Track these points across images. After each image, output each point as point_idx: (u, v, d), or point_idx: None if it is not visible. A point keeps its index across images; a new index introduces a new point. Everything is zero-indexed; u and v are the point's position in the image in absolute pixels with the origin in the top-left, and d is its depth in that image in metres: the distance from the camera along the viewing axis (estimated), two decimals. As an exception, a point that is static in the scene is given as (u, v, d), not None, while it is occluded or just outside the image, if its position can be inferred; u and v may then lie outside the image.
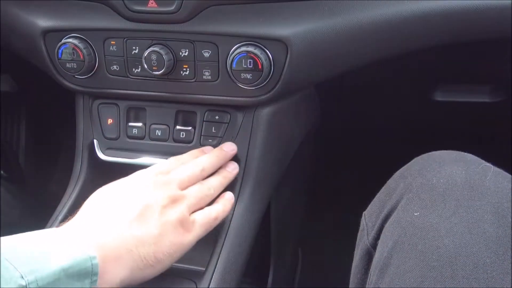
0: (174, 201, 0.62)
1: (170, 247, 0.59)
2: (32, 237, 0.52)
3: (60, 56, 0.72)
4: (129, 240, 0.56)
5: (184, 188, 0.65)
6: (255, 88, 0.70)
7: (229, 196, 0.71)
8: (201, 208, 0.65)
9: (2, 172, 1.20)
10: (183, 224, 0.61)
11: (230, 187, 0.76)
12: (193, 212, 0.64)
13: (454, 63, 0.85)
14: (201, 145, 0.76)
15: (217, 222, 0.66)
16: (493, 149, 0.81)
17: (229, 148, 0.74)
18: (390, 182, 0.59)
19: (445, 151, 0.57)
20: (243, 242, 0.72)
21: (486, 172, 0.52)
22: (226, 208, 0.68)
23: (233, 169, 0.73)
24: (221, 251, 0.69)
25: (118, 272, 0.54)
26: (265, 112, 0.75)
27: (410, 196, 0.53)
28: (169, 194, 0.62)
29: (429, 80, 0.88)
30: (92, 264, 0.51)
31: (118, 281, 0.54)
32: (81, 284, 0.50)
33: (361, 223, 0.60)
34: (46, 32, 0.73)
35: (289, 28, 0.68)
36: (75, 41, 0.72)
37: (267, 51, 0.68)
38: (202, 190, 0.66)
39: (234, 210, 0.73)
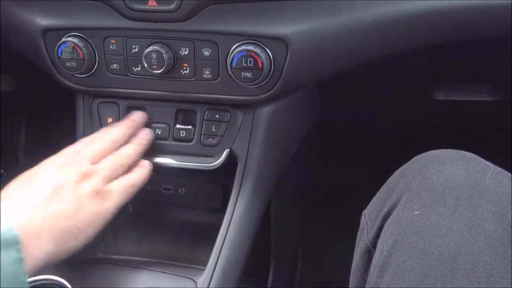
0: (86, 175, 0.64)
1: (90, 217, 0.62)
2: None
3: (60, 55, 0.72)
4: (47, 216, 0.58)
5: (97, 162, 0.67)
6: (255, 87, 0.70)
7: (145, 164, 0.72)
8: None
9: (2, 171, 1.20)
10: (99, 194, 0.63)
11: (231, 185, 0.76)
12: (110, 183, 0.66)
13: (454, 62, 0.85)
14: (201, 144, 0.76)
15: (135, 189, 0.68)
16: (494, 148, 0.81)
17: (138, 116, 0.75)
18: (390, 181, 0.59)
19: (445, 149, 0.57)
20: (244, 241, 0.72)
21: (486, 170, 0.52)
22: (142, 176, 0.70)
23: (146, 134, 0.75)
24: (221, 250, 0.70)
25: (42, 247, 0.56)
26: (266, 111, 0.75)
27: (410, 195, 0.53)
28: (81, 170, 0.64)
29: (430, 79, 0.88)
30: (15, 235, 0.53)
31: (44, 255, 0.56)
32: (7, 254, 0.52)
33: (361, 222, 0.60)
34: (46, 30, 0.73)
35: (290, 27, 0.68)
36: (75, 40, 0.72)
37: (267, 50, 0.68)
38: (115, 160, 0.68)
39: (234, 209, 0.73)
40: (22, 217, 0.57)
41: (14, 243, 0.53)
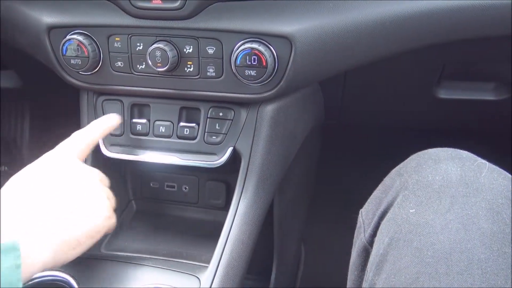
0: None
1: (92, 230, 0.62)
2: None
3: (64, 52, 0.73)
4: (52, 225, 0.57)
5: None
6: (259, 85, 0.70)
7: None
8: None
9: (6, 167, 1.21)
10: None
11: (234, 183, 0.76)
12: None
13: (458, 61, 0.85)
14: (205, 141, 0.76)
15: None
16: (497, 147, 0.81)
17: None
18: (387, 180, 0.59)
19: (441, 148, 0.57)
20: (247, 239, 0.72)
21: (481, 169, 0.52)
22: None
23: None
24: (224, 247, 0.70)
25: (41, 255, 0.55)
26: (269, 109, 0.75)
27: (406, 193, 0.53)
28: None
29: (433, 78, 0.87)
30: (15, 241, 0.52)
31: (41, 264, 0.55)
32: (5, 260, 0.50)
33: (358, 220, 0.60)
34: (51, 28, 0.74)
35: (294, 25, 0.68)
36: (80, 37, 0.72)
37: (271, 48, 0.68)
38: None
39: (237, 207, 0.74)
40: (25, 223, 0.55)
41: (13, 249, 0.51)
